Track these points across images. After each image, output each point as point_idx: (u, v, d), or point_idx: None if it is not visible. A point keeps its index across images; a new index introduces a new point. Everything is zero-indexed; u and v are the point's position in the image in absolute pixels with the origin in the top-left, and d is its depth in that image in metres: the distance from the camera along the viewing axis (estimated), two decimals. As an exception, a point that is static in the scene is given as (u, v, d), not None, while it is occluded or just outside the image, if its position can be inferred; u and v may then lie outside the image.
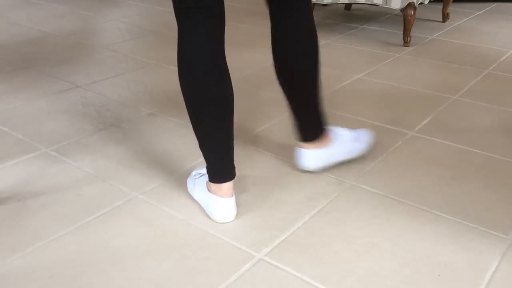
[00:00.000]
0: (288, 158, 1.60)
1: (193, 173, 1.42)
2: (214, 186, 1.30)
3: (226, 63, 1.22)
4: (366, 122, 1.83)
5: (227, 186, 1.30)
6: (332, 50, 2.60)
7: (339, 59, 2.47)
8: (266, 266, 1.16)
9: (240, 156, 1.62)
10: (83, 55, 2.52)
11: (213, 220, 1.31)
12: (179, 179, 1.49)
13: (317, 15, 3.22)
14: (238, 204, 1.38)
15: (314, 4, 2.88)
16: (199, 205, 1.37)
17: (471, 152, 1.64)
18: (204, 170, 1.40)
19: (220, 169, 1.29)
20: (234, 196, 1.32)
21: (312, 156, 1.48)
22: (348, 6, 3.34)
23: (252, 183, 1.47)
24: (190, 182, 1.41)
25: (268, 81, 2.19)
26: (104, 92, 2.09)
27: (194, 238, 1.25)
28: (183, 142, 1.69)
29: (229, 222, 1.31)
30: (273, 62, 1.38)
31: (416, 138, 1.73)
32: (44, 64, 2.39)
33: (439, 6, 3.30)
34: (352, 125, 1.81)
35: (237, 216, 1.33)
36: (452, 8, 3.36)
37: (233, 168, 1.31)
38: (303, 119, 1.45)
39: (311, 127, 1.46)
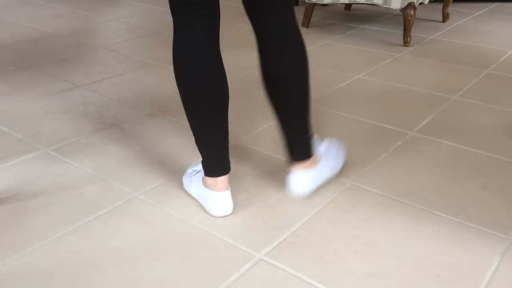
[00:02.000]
0: (288, 158, 1.60)
1: (189, 170, 1.43)
2: (210, 180, 1.31)
3: (222, 61, 1.23)
4: (366, 122, 1.84)
5: (222, 180, 1.31)
6: (332, 50, 2.60)
7: (339, 59, 2.47)
8: (266, 266, 1.16)
9: (240, 156, 1.62)
10: (83, 55, 2.52)
11: (211, 215, 1.32)
12: (179, 179, 1.49)
13: (317, 15, 3.22)
14: (238, 204, 1.38)
15: (314, 4, 2.88)
16: (199, 204, 1.37)
17: (471, 152, 1.64)
18: (199, 167, 1.41)
19: (215, 164, 1.30)
20: (229, 190, 1.33)
21: (303, 179, 1.37)
22: (348, 6, 3.34)
23: (252, 183, 1.47)
24: (186, 179, 1.42)
25: (268, 81, 2.19)
26: (104, 92, 2.09)
27: (194, 238, 1.25)
28: (183, 142, 1.69)
29: (226, 215, 1.32)
30: (260, 72, 1.29)
31: (416, 138, 1.73)
32: (44, 64, 2.39)
33: (439, 6, 3.30)
34: (352, 125, 1.81)
35: (237, 216, 1.33)
36: (452, 8, 3.36)
37: (228, 162, 1.32)
38: (291, 136, 1.35)
39: (299, 144, 1.35)
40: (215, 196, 1.31)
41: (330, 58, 2.48)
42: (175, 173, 1.52)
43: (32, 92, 2.08)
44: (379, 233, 1.27)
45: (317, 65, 2.39)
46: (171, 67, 2.36)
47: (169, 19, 3.16)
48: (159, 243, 1.23)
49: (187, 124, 1.81)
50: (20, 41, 2.73)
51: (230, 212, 1.33)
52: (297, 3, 3.50)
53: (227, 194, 1.32)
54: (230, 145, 1.67)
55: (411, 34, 2.69)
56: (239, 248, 1.22)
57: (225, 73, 1.24)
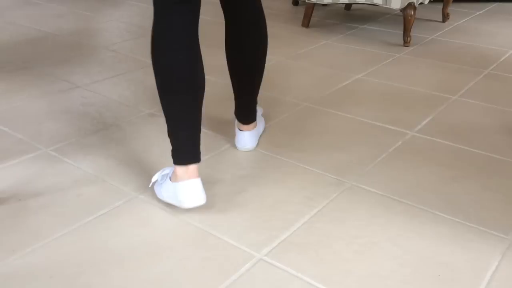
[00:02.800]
0: (289, 158, 1.60)
1: (157, 178, 1.40)
2: (180, 169, 1.30)
3: (200, 51, 1.29)
4: (366, 122, 1.84)
5: (193, 168, 1.31)
6: (332, 50, 2.60)
7: (339, 59, 2.47)
8: (266, 266, 1.16)
9: (240, 156, 1.62)
10: (83, 55, 2.52)
11: (185, 208, 1.31)
12: (179, 179, 1.49)
13: (317, 15, 3.22)
14: (238, 204, 1.38)
15: (314, 4, 2.88)
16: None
17: (471, 152, 1.64)
18: (166, 170, 1.39)
19: (189, 150, 1.31)
20: (200, 179, 1.32)
21: (250, 137, 1.63)
22: (348, 6, 3.34)
23: (252, 183, 1.47)
24: (156, 187, 1.39)
25: (268, 81, 2.19)
26: (104, 92, 2.09)
27: (194, 238, 1.25)
28: (183, 142, 1.69)
29: (200, 205, 1.31)
30: (225, 45, 1.50)
31: (416, 138, 1.73)
32: (44, 64, 2.39)
33: (439, 6, 3.30)
34: (352, 125, 1.82)
35: (237, 216, 1.33)
36: (452, 8, 3.36)
37: (199, 151, 1.34)
38: (244, 102, 1.59)
39: (250, 109, 1.60)
40: (186, 184, 1.29)
41: (330, 58, 2.48)
42: (175, 173, 1.51)
43: (32, 92, 2.09)
44: (379, 233, 1.27)
45: (317, 65, 2.39)
46: (171, 67, 2.35)
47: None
48: (159, 243, 1.23)
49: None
50: (20, 41, 2.73)
51: (203, 202, 1.31)
52: (297, 3, 3.50)
53: (198, 181, 1.31)
54: (229, 145, 1.67)
55: (411, 34, 2.69)
56: (239, 248, 1.22)
57: (202, 62, 1.29)
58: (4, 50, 2.59)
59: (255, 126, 1.64)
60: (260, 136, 1.72)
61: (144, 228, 1.29)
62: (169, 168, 1.39)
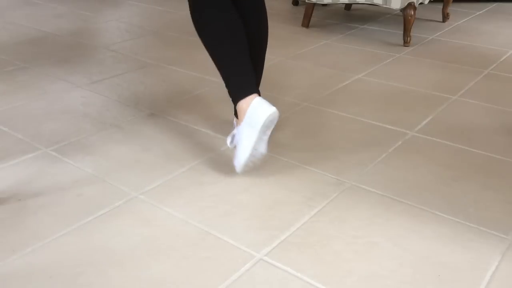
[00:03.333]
0: (289, 158, 1.60)
1: (230, 139, 1.54)
2: (244, 103, 1.42)
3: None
4: (366, 122, 1.84)
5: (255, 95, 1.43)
6: (332, 50, 2.60)
7: (339, 59, 2.47)
8: (266, 266, 1.16)
9: (240, 156, 1.62)
10: (83, 55, 2.52)
11: (266, 119, 1.37)
12: (179, 179, 1.49)
13: (317, 15, 3.22)
14: (238, 204, 1.38)
15: (314, 4, 2.88)
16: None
17: (471, 152, 1.64)
18: (230, 135, 1.53)
19: (247, 82, 1.44)
20: None
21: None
22: (348, 6, 3.34)
23: (252, 183, 1.47)
24: (231, 139, 1.53)
25: (268, 81, 2.19)
26: (104, 92, 2.09)
27: (194, 238, 1.25)
28: (183, 142, 1.69)
29: (275, 111, 1.38)
30: None
31: (416, 138, 1.73)
32: (44, 64, 2.39)
33: (439, 6, 3.30)
34: (352, 125, 1.81)
35: (237, 216, 1.33)
36: (452, 8, 3.36)
37: (256, 86, 1.46)
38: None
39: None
40: (254, 102, 1.40)
41: (330, 58, 2.48)
42: (175, 173, 1.52)
43: (32, 92, 2.09)
44: (379, 233, 1.27)
45: (317, 65, 2.39)
46: (171, 67, 2.36)
47: (169, 19, 3.16)
48: (159, 243, 1.23)
49: (187, 123, 1.81)
50: (20, 41, 2.73)
51: (275, 108, 1.39)
52: (297, 3, 3.50)
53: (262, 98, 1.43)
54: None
55: (411, 34, 2.69)
56: (239, 248, 1.22)
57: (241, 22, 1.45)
58: (4, 50, 2.59)
59: None
60: None
61: (144, 228, 1.29)
62: (228, 136, 1.53)
